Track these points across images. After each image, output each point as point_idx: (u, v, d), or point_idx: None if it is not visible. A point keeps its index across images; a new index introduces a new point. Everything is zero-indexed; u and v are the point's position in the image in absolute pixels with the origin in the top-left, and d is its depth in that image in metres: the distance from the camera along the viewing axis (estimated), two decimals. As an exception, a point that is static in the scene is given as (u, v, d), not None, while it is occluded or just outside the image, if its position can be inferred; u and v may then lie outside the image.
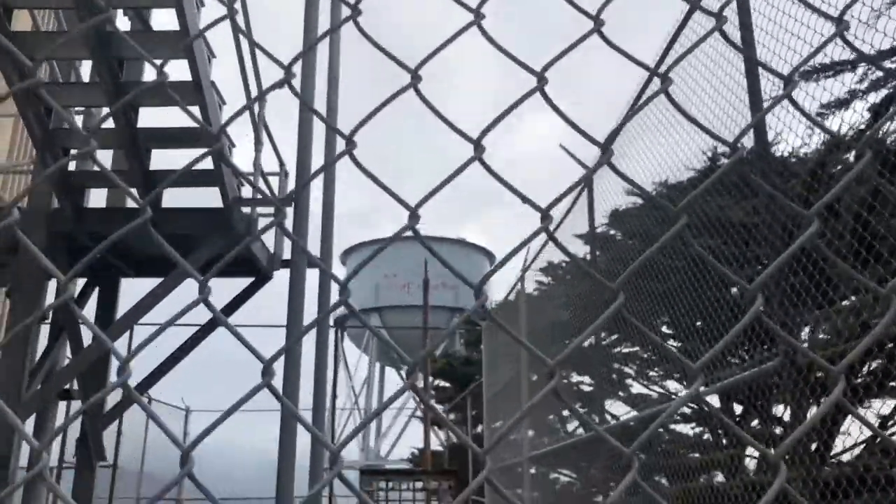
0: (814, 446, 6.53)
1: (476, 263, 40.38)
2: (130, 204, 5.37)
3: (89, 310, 5.62)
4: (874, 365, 4.40)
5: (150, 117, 5.51)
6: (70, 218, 5.08)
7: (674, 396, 6.81)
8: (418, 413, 22.27)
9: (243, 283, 5.94)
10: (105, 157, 5.75)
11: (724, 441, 6.95)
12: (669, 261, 6.47)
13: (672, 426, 7.33)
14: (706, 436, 7.23)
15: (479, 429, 12.72)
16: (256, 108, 5.36)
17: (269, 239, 5.88)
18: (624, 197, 7.18)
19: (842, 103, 3.78)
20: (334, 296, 5.79)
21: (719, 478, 6.26)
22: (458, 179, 0.96)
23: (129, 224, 0.93)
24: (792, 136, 3.54)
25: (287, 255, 5.60)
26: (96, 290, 5.73)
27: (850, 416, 3.57)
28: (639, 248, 6.93)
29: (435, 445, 17.37)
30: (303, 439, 6.13)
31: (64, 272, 0.91)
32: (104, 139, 4.73)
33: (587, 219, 7.49)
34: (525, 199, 0.96)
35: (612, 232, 7.74)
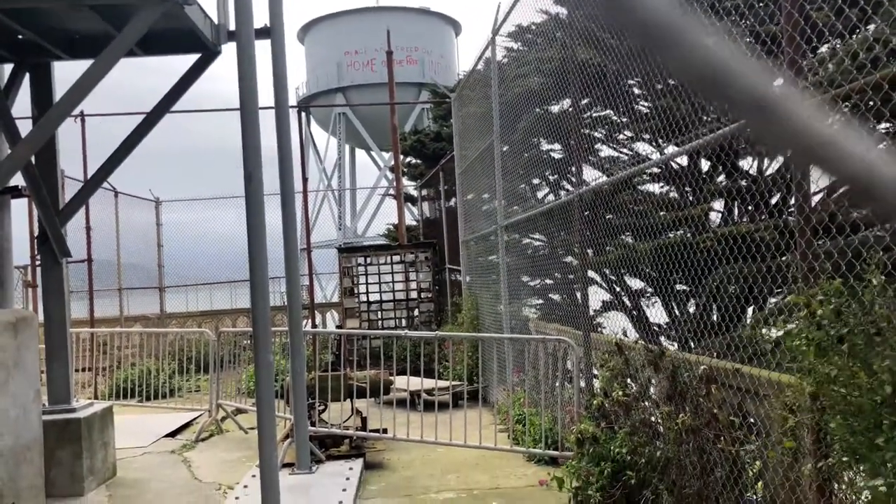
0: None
1: (441, 34, 38.52)
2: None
3: (23, 97, 5.17)
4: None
5: None
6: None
7: (648, 159, 6.77)
8: (391, 191, 22.49)
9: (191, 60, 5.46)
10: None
11: (691, 199, 7.05)
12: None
13: (641, 187, 7.38)
14: (672, 194, 7.32)
15: (452, 202, 12.87)
16: None
17: (211, 9, 5.30)
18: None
19: None
20: (289, 67, 5.37)
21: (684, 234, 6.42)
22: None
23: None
24: None
25: (233, 26, 5.09)
26: (27, 76, 5.23)
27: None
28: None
29: (409, 220, 17.74)
30: (273, 220, 6.07)
31: None
32: None
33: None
34: None
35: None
